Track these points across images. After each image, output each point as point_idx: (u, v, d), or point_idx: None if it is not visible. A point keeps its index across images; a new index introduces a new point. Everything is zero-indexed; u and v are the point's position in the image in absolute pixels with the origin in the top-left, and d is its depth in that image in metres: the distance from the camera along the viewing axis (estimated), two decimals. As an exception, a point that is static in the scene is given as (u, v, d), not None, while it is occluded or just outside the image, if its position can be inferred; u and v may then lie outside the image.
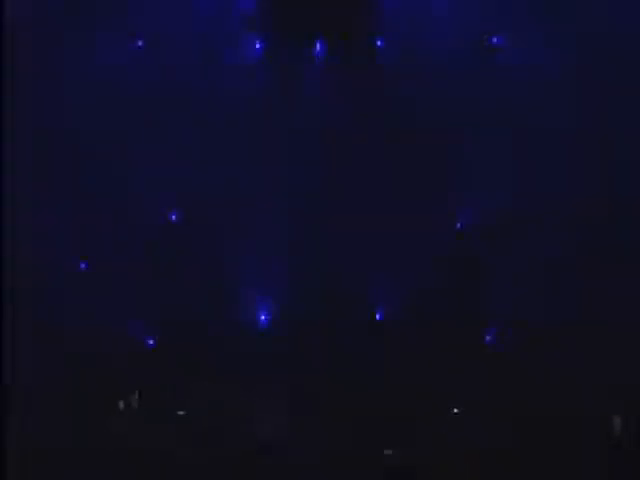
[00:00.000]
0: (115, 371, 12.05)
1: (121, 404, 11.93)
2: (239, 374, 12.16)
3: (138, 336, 12.53)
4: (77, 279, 12.48)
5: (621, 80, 11.48)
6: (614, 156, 11.61)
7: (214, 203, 12.92)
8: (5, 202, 10.92)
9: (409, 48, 13.00)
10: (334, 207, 12.95)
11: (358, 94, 12.95)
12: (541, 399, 11.47)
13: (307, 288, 12.72)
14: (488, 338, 12.51)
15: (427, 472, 10.86)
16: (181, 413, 11.88)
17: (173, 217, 13.05)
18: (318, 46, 13.37)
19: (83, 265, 12.65)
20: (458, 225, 13.04)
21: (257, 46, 13.34)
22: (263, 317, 12.84)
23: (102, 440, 11.29)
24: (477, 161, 12.67)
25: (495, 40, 12.88)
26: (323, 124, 13.06)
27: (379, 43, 13.27)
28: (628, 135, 11.58)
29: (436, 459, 11.03)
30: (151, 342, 12.67)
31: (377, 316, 12.81)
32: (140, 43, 12.89)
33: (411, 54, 12.97)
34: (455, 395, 11.88)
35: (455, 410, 11.88)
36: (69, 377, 11.82)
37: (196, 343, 12.38)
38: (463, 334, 12.31)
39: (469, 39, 12.83)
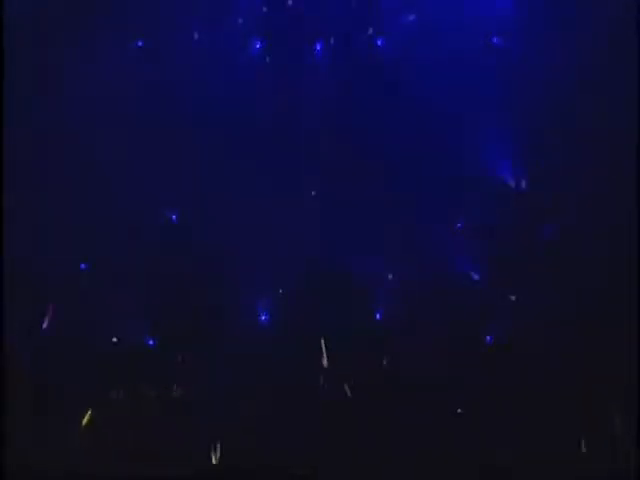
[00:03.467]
0: (113, 370, 12.33)
1: None
2: (238, 374, 12.42)
3: (137, 336, 12.76)
4: (77, 279, 12.74)
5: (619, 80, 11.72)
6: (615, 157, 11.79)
7: (214, 203, 13.16)
8: (5, 203, 11.12)
9: (410, 47, 13.26)
10: (335, 206, 13.20)
11: (358, 93, 13.27)
12: (540, 397, 11.63)
13: (307, 288, 12.97)
14: (488, 338, 12.66)
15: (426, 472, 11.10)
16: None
17: (173, 217, 13.32)
18: (318, 46, 13.63)
19: (83, 266, 12.89)
20: (459, 225, 13.20)
21: (257, 46, 13.62)
22: (263, 317, 13.07)
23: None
24: (479, 161, 12.90)
25: (496, 40, 13.15)
26: (323, 124, 13.32)
27: (379, 43, 13.53)
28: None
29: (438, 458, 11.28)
30: (151, 342, 12.88)
31: (377, 316, 13.00)
32: (140, 43, 13.19)
33: (412, 54, 13.22)
34: (455, 395, 12.09)
35: (459, 410, 12.02)
36: (69, 378, 12.09)
37: (195, 343, 12.64)
38: (462, 335, 12.51)
39: (471, 39, 13.04)
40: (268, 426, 11.88)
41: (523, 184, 12.76)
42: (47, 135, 12.60)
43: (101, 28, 12.74)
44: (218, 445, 11.93)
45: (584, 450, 11.21)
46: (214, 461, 11.79)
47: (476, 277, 12.84)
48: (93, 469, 11.32)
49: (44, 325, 12.12)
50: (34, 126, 12.40)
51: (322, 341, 12.57)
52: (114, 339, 12.58)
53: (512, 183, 12.78)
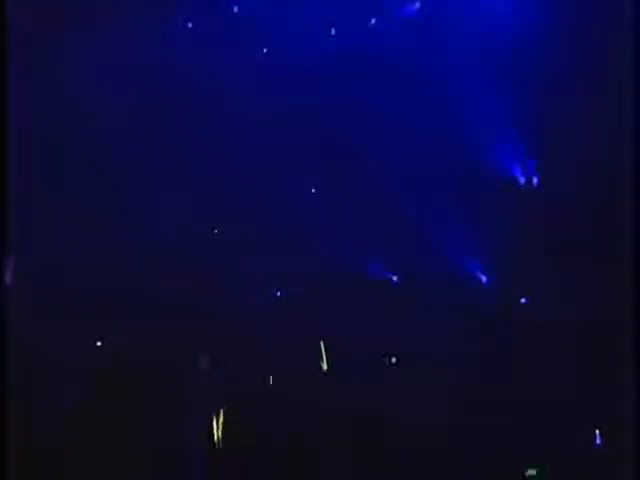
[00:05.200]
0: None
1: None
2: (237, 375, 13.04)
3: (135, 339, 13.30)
4: (82, 282, 13.28)
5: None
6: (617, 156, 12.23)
7: (213, 202, 13.85)
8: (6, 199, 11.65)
9: (414, 42, 13.78)
10: (337, 205, 13.85)
11: (361, 88, 13.81)
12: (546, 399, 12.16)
13: (307, 290, 13.59)
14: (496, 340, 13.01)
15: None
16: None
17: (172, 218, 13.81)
18: (319, 37, 14.14)
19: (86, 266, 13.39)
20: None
21: (255, 37, 14.18)
22: (262, 318, 13.47)
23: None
24: (486, 160, 13.39)
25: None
26: (324, 119, 13.95)
27: (382, 34, 14.05)
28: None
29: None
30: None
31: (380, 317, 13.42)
32: (140, 44, 13.67)
33: (415, 49, 13.72)
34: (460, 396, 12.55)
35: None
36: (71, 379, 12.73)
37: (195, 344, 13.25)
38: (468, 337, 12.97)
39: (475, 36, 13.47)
40: (268, 427, 12.47)
41: (531, 183, 13.25)
42: (46, 136, 13.30)
43: (101, 29, 13.39)
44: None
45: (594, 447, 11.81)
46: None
47: (484, 279, 13.36)
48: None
49: (7, 279, 12.42)
50: (33, 127, 13.07)
51: (322, 345, 13.12)
52: (98, 343, 13.14)
53: (521, 182, 13.30)
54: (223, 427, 12.50)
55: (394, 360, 13.08)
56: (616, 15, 12.01)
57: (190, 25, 14.13)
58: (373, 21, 14.02)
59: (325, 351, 13.08)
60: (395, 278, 13.64)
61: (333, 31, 14.13)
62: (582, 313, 12.40)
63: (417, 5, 13.97)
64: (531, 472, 11.63)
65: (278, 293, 13.75)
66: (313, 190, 14.09)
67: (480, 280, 13.37)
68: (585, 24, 12.60)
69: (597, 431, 11.84)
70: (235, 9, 14.22)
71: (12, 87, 11.74)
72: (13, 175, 11.56)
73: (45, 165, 13.33)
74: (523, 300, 13.12)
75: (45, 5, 13.23)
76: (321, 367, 13.10)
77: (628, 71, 11.41)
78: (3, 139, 11.41)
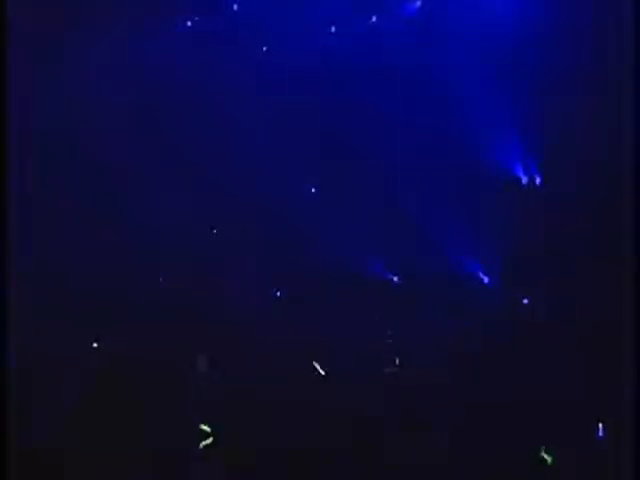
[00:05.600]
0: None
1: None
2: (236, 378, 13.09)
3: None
4: (82, 282, 13.53)
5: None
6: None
7: (212, 202, 14.11)
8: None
9: (415, 42, 13.98)
10: (337, 205, 14.07)
11: (361, 99, 14.03)
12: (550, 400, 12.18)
13: (307, 290, 13.83)
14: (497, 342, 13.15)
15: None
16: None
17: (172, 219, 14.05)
18: (319, 35, 14.35)
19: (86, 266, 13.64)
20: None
21: (254, 35, 14.39)
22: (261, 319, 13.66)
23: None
24: (488, 160, 13.60)
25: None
26: (324, 118, 14.19)
27: (383, 32, 14.21)
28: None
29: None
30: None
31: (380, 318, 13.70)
32: (140, 44, 13.91)
33: (416, 49, 13.92)
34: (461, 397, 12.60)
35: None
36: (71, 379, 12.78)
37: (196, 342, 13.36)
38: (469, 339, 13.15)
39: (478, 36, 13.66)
40: (268, 427, 12.43)
41: (532, 183, 13.46)
42: (46, 136, 13.52)
43: (101, 28, 13.61)
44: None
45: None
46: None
47: (485, 279, 13.58)
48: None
49: None
50: (33, 127, 13.30)
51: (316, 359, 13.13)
52: (95, 344, 13.30)
53: (522, 182, 13.50)
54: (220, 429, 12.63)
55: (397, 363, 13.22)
56: (616, 15, 12.14)
57: (190, 24, 14.34)
58: (374, 19, 14.20)
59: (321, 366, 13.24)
60: (395, 278, 13.87)
61: (333, 29, 14.30)
62: (582, 313, 12.58)
63: (417, 4, 14.14)
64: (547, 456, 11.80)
65: (278, 293, 13.95)
66: (313, 190, 14.25)
67: (481, 280, 13.57)
68: (585, 24, 12.80)
69: (600, 425, 11.95)
70: (235, 8, 14.41)
71: (12, 87, 11.85)
72: (13, 175, 11.59)
73: (45, 165, 13.59)
74: (525, 301, 13.28)
75: (45, 5, 13.44)
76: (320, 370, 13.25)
77: (628, 71, 11.56)
78: (3, 139, 11.52)
